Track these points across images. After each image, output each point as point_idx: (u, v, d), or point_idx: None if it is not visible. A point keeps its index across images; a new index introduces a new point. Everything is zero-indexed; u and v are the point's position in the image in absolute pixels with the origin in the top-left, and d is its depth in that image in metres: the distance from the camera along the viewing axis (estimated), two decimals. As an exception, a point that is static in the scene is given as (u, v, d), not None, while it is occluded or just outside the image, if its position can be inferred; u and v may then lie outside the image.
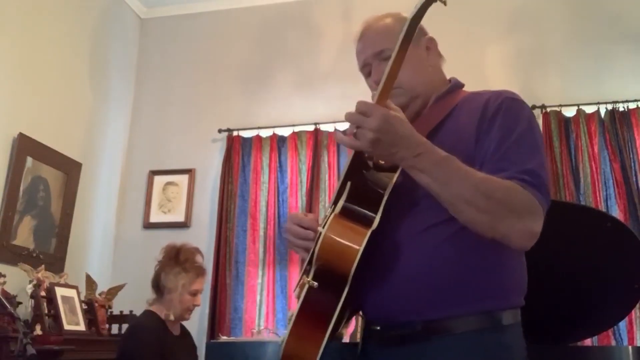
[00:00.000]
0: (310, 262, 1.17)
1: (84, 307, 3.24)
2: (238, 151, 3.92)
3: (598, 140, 3.41)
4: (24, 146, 3.20)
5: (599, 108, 3.46)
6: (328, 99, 3.80)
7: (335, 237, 1.12)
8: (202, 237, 3.83)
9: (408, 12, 1.11)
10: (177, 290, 2.58)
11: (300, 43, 4.06)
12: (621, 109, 3.41)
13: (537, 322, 2.04)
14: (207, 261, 3.68)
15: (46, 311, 2.92)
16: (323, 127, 3.80)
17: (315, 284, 1.13)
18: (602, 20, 3.66)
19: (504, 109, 1.19)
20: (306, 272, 1.19)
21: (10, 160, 3.13)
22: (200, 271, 2.68)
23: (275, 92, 4.03)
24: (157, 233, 3.89)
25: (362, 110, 1.09)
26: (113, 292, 3.48)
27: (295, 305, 1.19)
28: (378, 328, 1.22)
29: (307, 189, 3.71)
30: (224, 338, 3.29)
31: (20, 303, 2.86)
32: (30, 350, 1.90)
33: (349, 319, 1.29)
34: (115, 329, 3.40)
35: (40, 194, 3.34)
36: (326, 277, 1.12)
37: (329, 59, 3.92)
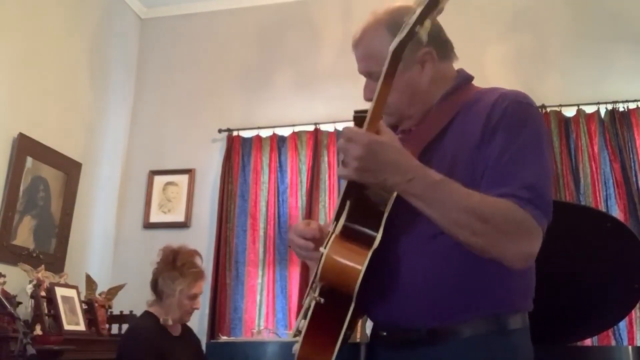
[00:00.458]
0: (315, 280, 1.18)
1: (84, 307, 3.24)
2: (238, 151, 3.92)
3: (598, 140, 3.41)
4: (24, 146, 3.20)
5: (599, 108, 3.46)
6: (328, 99, 3.80)
7: (336, 259, 1.12)
8: (202, 237, 3.83)
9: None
10: (175, 296, 2.55)
11: (300, 43, 4.06)
12: (621, 109, 3.41)
13: (537, 322, 2.04)
14: (207, 261, 3.69)
15: (46, 311, 2.92)
16: (323, 127, 3.80)
17: (322, 300, 1.13)
18: (602, 20, 3.66)
19: (508, 116, 1.14)
20: (313, 287, 1.20)
21: (10, 160, 3.13)
22: (198, 275, 2.64)
23: (275, 92, 4.03)
24: (157, 233, 3.89)
25: (347, 137, 1.06)
26: (113, 292, 3.48)
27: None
28: (385, 333, 1.23)
29: (307, 189, 3.71)
30: (224, 338, 3.29)
31: (20, 303, 2.86)
32: (30, 350, 1.90)
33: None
34: (115, 329, 3.40)
35: (40, 194, 3.34)
36: (331, 294, 1.13)
37: (329, 59, 3.92)
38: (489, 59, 3.77)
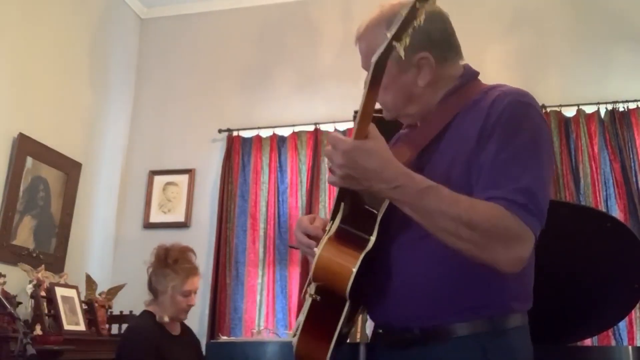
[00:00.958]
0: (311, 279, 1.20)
1: (84, 307, 3.24)
2: (238, 151, 3.92)
3: (598, 140, 3.41)
4: (24, 146, 3.20)
5: (599, 108, 3.46)
6: (328, 99, 3.80)
7: (328, 260, 1.13)
8: (202, 237, 3.83)
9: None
10: (168, 292, 2.55)
11: (300, 43, 4.06)
12: (621, 109, 3.41)
13: (537, 322, 2.04)
14: (207, 261, 3.69)
15: (46, 311, 2.92)
16: (323, 127, 3.80)
17: (318, 297, 1.15)
18: (602, 20, 3.66)
19: (506, 116, 1.11)
20: (309, 286, 1.21)
21: (10, 160, 3.13)
22: (191, 271, 2.63)
23: (275, 92, 4.03)
24: (157, 233, 3.89)
25: (332, 144, 1.07)
26: (113, 292, 3.48)
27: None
28: (381, 331, 1.24)
29: (307, 189, 3.71)
30: (224, 338, 3.29)
31: (20, 303, 2.86)
32: (30, 350, 1.91)
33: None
34: (115, 329, 3.41)
35: (40, 194, 3.34)
36: (326, 294, 1.14)
37: (329, 59, 3.92)
38: (489, 59, 3.77)
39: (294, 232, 1.32)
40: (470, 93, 1.23)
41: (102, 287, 3.50)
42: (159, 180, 4.07)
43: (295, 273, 3.59)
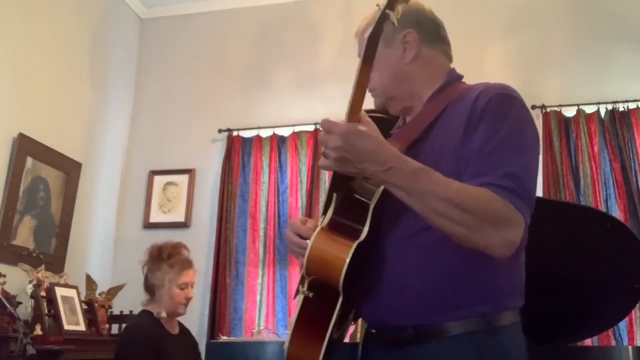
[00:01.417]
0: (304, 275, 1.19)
1: (84, 307, 3.24)
2: (238, 151, 3.92)
3: (598, 140, 3.41)
4: (24, 146, 3.20)
5: (599, 108, 3.46)
6: (328, 99, 3.79)
7: (321, 250, 1.13)
8: (202, 237, 3.83)
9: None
10: (165, 286, 2.58)
11: (300, 43, 4.06)
12: (621, 109, 3.41)
13: (538, 322, 2.04)
14: (207, 261, 3.70)
15: (46, 311, 2.92)
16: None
17: (311, 294, 1.14)
18: (602, 20, 3.66)
19: (491, 108, 1.15)
20: (302, 284, 1.20)
21: (10, 160, 3.13)
22: (185, 264, 2.65)
23: (275, 92, 4.03)
24: (157, 233, 3.88)
25: (326, 128, 1.09)
26: (113, 292, 3.48)
27: (294, 305, 1.21)
28: (373, 331, 1.24)
29: (307, 189, 3.71)
30: (224, 338, 3.29)
31: (20, 303, 2.86)
32: (30, 350, 1.91)
33: (355, 320, 1.30)
34: (115, 329, 3.40)
35: (40, 194, 3.34)
36: (319, 288, 1.13)
37: (329, 59, 3.92)
38: (489, 59, 3.77)
39: (285, 233, 1.34)
40: (455, 91, 1.27)
41: (102, 287, 3.50)
42: (159, 180, 4.07)
43: (295, 273, 3.59)
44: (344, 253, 1.10)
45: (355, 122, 1.08)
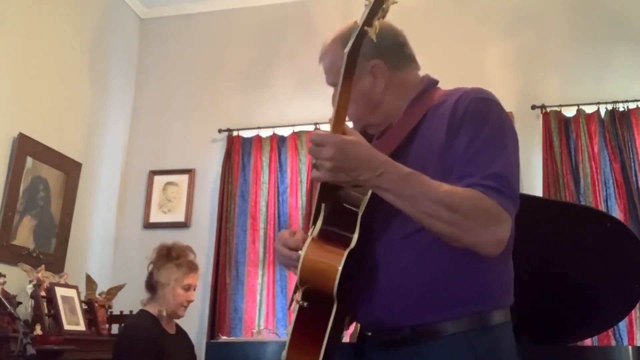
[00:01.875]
0: (297, 285, 1.20)
1: (84, 307, 3.24)
2: (238, 151, 3.92)
3: (598, 140, 3.41)
4: (24, 146, 3.20)
5: (599, 108, 3.46)
6: (328, 99, 3.76)
7: (314, 260, 1.15)
8: (202, 237, 3.83)
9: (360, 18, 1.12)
10: (170, 284, 2.60)
11: (300, 43, 4.06)
12: (621, 109, 3.41)
13: (538, 322, 2.04)
14: (207, 261, 3.69)
15: (46, 311, 2.92)
16: (323, 127, 3.79)
17: (305, 303, 1.16)
18: (602, 20, 3.66)
19: (471, 112, 1.19)
20: (297, 291, 1.22)
21: (10, 160, 3.13)
22: (192, 266, 2.69)
23: (275, 92, 4.03)
24: (157, 233, 3.89)
25: (317, 141, 1.11)
26: (113, 292, 3.48)
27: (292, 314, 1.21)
28: (369, 334, 1.25)
29: (307, 189, 3.71)
30: (224, 338, 3.29)
31: (20, 303, 2.86)
32: (30, 350, 1.90)
33: (349, 325, 1.31)
34: (115, 329, 3.40)
35: (40, 194, 3.34)
36: (313, 297, 1.15)
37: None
38: (489, 59, 3.77)
39: (275, 246, 1.37)
40: (433, 98, 1.31)
41: (102, 287, 3.50)
42: (159, 180, 4.07)
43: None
44: (336, 261, 1.12)
45: (340, 133, 1.12)
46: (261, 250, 3.69)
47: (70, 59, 3.70)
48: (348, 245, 1.15)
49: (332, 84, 1.36)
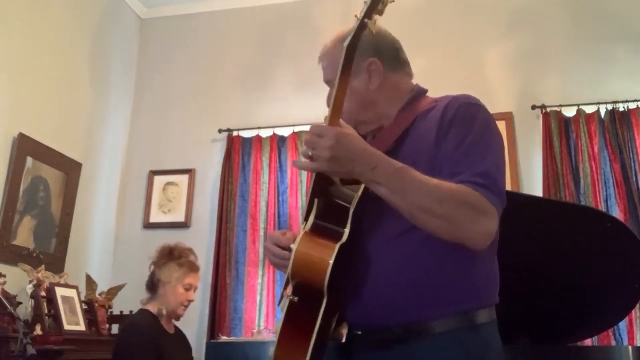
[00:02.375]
0: (288, 280, 1.21)
1: (84, 307, 3.24)
2: (238, 151, 3.92)
3: (598, 140, 3.41)
4: (24, 146, 3.20)
5: (599, 108, 3.46)
6: (328, 98, 3.79)
7: (305, 253, 1.16)
8: (202, 237, 3.83)
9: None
10: (171, 282, 2.63)
11: (300, 43, 4.06)
12: (621, 109, 3.41)
13: (538, 322, 2.04)
14: (207, 261, 3.69)
15: (46, 311, 2.92)
16: (322, 127, 3.79)
17: (296, 298, 1.16)
18: (602, 20, 3.66)
19: (460, 115, 1.24)
20: (287, 286, 1.23)
21: (10, 160, 3.13)
22: (193, 267, 2.72)
23: (275, 92, 4.03)
24: (157, 233, 3.89)
25: (316, 132, 1.16)
26: (113, 292, 3.48)
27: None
28: (359, 333, 1.26)
29: (307, 189, 3.71)
30: (224, 338, 3.29)
31: (20, 303, 2.86)
32: (30, 350, 1.91)
33: (339, 323, 1.30)
34: (115, 329, 3.40)
35: (40, 194, 3.34)
36: (304, 291, 1.16)
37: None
38: (489, 59, 3.77)
39: (265, 245, 1.39)
40: (422, 104, 1.36)
41: (102, 287, 3.50)
42: (159, 180, 4.07)
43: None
44: (327, 255, 1.14)
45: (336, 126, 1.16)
46: (261, 250, 3.69)
47: (70, 59, 3.70)
48: (339, 239, 1.17)
49: (329, 80, 1.42)
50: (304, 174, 3.75)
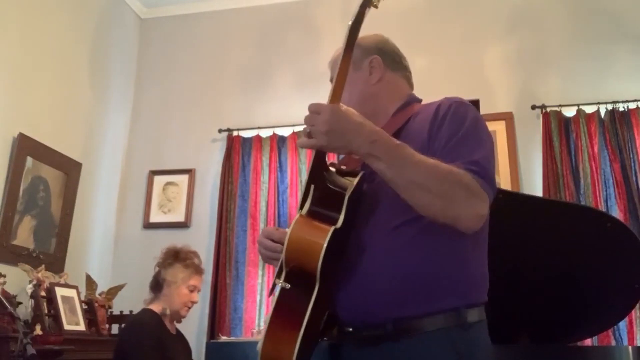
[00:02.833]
0: (281, 267, 1.22)
1: (84, 307, 3.24)
2: (238, 151, 3.92)
3: (598, 140, 3.41)
4: (24, 146, 3.20)
5: (599, 108, 3.46)
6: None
7: (300, 235, 1.18)
8: (202, 237, 3.83)
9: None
10: (176, 282, 2.65)
11: (300, 43, 4.06)
12: (621, 109, 3.41)
13: (538, 322, 2.04)
14: (207, 261, 3.69)
15: (46, 311, 2.92)
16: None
17: (288, 285, 1.17)
18: (602, 20, 3.66)
19: (452, 112, 1.29)
20: (278, 277, 1.24)
21: (10, 160, 3.13)
22: (198, 269, 2.75)
23: (275, 92, 4.03)
24: (157, 233, 3.89)
25: (314, 109, 1.19)
26: (113, 292, 3.48)
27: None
28: (351, 329, 1.26)
29: (307, 189, 3.70)
30: (224, 338, 3.29)
31: (20, 303, 2.86)
32: (30, 350, 1.91)
33: (330, 325, 1.30)
34: (115, 329, 3.40)
35: (40, 194, 3.34)
36: (297, 277, 1.17)
37: (329, 59, 3.91)
38: (489, 59, 3.77)
39: (258, 240, 1.43)
40: (416, 107, 1.42)
41: (102, 287, 3.50)
42: (159, 180, 4.07)
43: (295, 273, 3.58)
44: (321, 238, 1.15)
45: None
46: (261, 250, 3.69)
47: (70, 59, 3.70)
48: (334, 224, 1.18)
49: (331, 78, 1.42)
50: (304, 174, 3.75)
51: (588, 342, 2.90)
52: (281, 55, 4.11)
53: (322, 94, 1.53)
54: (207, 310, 3.60)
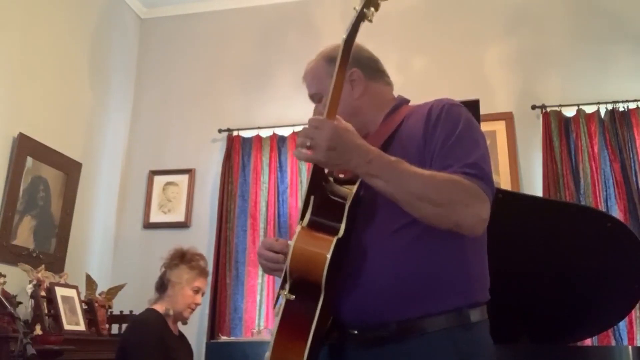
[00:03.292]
0: (285, 279, 1.22)
1: (84, 307, 3.24)
2: (238, 151, 3.92)
3: (598, 140, 3.41)
4: (24, 146, 3.20)
5: (599, 108, 3.46)
6: (328, 99, 3.79)
7: (303, 247, 1.18)
8: (202, 237, 3.83)
9: (342, 41, 1.22)
10: (181, 283, 2.66)
11: (300, 43, 4.06)
12: (621, 109, 3.41)
13: (538, 322, 2.04)
14: (207, 261, 3.69)
15: (46, 311, 2.92)
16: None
17: (293, 296, 1.18)
18: (602, 20, 3.66)
19: (445, 114, 1.29)
20: (282, 288, 1.24)
21: (10, 160, 3.13)
22: (203, 272, 2.77)
23: (275, 92, 4.03)
24: (157, 233, 3.89)
25: (315, 124, 1.20)
26: (113, 292, 3.48)
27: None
28: (355, 332, 1.26)
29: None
30: (224, 338, 3.29)
31: (20, 303, 2.86)
32: (30, 350, 1.91)
33: (333, 328, 1.30)
34: (115, 329, 3.41)
35: (40, 194, 3.34)
36: (301, 288, 1.18)
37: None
38: (489, 59, 3.77)
39: (258, 251, 1.43)
40: (406, 110, 1.43)
41: (102, 287, 3.50)
42: (159, 180, 4.07)
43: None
44: (324, 249, 1.16)
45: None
46: (261, 250, 3.69)
47: (70, 59, 3.70)
48: (336, 234, 1.19)
49: (314, 94, 1.48)
50: (304, 174, 3.75)
51: (588, 342, 2.90)
52: (281, 55, 4.11)
53: (322, 94, 1.54)
54: (207, 310, 3.60)
